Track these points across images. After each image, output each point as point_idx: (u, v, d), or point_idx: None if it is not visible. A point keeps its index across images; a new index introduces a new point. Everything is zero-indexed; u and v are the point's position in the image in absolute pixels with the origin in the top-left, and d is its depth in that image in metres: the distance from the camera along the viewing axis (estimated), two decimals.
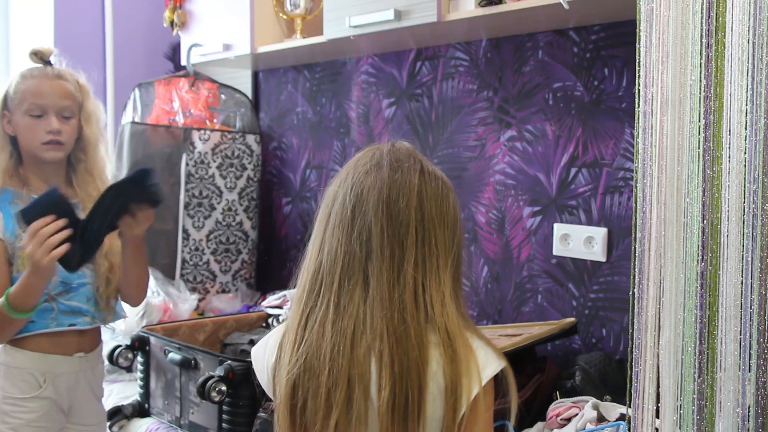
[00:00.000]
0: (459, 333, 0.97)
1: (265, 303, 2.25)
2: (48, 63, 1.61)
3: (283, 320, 2.06)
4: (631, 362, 1.00)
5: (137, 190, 1.48)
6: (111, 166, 1.74)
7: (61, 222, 1.39)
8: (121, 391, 2.06)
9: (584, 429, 1.41)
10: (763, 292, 0.93)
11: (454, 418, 0.94)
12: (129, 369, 1.90)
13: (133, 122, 2.45)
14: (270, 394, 1.08)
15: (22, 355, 1.53)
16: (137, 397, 1.90)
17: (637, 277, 0.99)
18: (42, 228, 1.37)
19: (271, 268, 2.74)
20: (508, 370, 0.99)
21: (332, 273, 1.00)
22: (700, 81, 0.95)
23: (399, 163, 1.03)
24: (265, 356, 1.08)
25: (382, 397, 0.94)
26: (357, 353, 0.96)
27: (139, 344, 1.87)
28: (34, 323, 1.52)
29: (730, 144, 0.94)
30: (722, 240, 0.94)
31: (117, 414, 1.87)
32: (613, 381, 1.59)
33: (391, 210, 0.99)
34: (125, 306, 1.73)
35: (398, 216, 0.99)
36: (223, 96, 2.64)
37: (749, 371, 0.93)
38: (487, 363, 0.97)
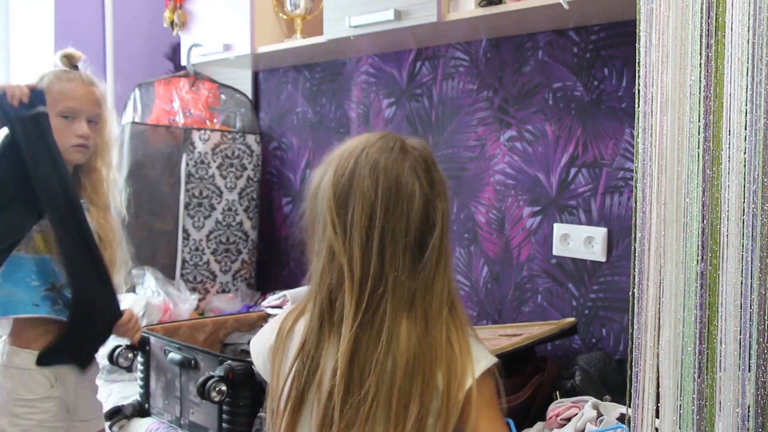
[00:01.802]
0: (448, 333, 0.98)
1: (265, 303, 2.25)
2: (75, 67, 1.65)
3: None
4: (631, 362, 1.00)
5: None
6: (114, 171, 1.76)
7: None
8: (121, 391, 2.06)
9: (584, 429, 1.41)
10: (763, 292, 0.93)
11: (448, 414, 0.95)
12: (129, 369, 1.91)
13: (133, 122, 2.45)
14: (266, 377, 1.08)
15: (32, 357, 1.52)
16: (137, 397, 1.90)
17: (636, 277, 0.99)
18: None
19: (271, 268, 2.74)
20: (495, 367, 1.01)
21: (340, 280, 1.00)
22: (700, 81, 0.95)
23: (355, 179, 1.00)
24: (263, 340, 1.09)
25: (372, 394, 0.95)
26: (360, 355, 0.97)
27: (139, 344, 1.87)
28: (38, 307, 1.51)
29: (729, 144, 0.94)
30: (722, 240, 0.94)
31: (117, 414, 1.87)
32: (612, 381, 1.59)
33: (375, 223, 0.98)
34: (126, 306, 1.74)
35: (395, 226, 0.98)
36: (223, 96, 2.64)
37: (749, 371, 0.93)
38: (480, 357, 0.99)
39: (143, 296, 2.24)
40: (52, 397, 1.55)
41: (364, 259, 0.97)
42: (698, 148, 0.95)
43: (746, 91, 0.93)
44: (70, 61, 1.65)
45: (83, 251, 1.53)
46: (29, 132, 1.48)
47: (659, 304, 0.97)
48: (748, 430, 0.93)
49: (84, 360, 1.59)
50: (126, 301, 2.07)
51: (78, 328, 1.53)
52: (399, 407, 0.95)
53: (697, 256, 0.95)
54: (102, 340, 1.63)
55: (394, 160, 1.01)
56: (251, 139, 2.62)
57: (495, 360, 1.01)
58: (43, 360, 1.53)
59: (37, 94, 1.50)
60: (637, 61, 1.00)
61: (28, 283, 1.51)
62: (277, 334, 1.05)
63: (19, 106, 1.47)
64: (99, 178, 1.68)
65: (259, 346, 1.10)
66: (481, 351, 1.01)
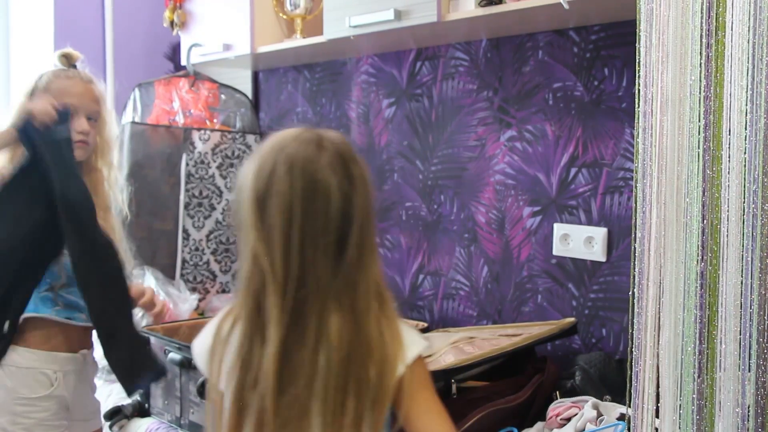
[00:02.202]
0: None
1: None
2: (74, 67, 1.66)
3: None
4: (631, 362, 1.00)
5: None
6: (115, 170, 1.77)
7: None
8: (121, 391, 2.05)
9: (584, 429, 1.41)
10: (763, 292, 0.93)
11: (380, 401, 0.95)
12: None
13: (133, 122, 2.45)
14: (207, 375, 1.06)
15: (33, 355, 1.53)
16: (137, 397, 1.90)
17: (636, 277, 0.99)
18: None
19: None
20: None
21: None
22: (700, 81, 0.95)
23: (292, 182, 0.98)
24: (204, 342, 1.07)
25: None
26: (289, 356, 0.97)
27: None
28: (38, 308, 1.53)
29: (729, 144, 0.94)
30: (722, 240, 0.94)
31: (117, 414, 1.87)
32: (612, 381, 1.59)
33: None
34: None
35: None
36: (223, 96, 2.64)
37: (749, 371, 0.93)
38: (410, 343, 0.98)
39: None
40: (52, 396, 1.54)
41: (285, 260, 0.95)
42: (698, 148, 0.95)
43: (746, 91, 0.93)
44: (69, 61, 1.66)
45: (104, 283, 1.53)
46: (56, 157, 1.47)
47: (659, 304, 0.97)
48: (748, 430, 0.93)
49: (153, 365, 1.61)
50: None
51: (116, 351, 1.54)
52: (336, 404, 0.95)
53: (697, 256, 0.95)
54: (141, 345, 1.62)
55: (311, 156, 1.00)
56: (251, 139, 2.62)
57: (425, 344, 1.00)
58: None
59: (63, 115, 1.48)
60: (637, 61, 1.00)
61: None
62: (214, 337, 1.04)
63: (45, 129, 1.47)
64: (100, 178, 1.68)
65: (200, 348, 1.09)
66: (412, 336, 1.00)
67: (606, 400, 1.49)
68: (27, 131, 1.44)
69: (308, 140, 1.03)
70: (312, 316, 0.96)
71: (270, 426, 0.96)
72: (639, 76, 0.99)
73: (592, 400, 1.47)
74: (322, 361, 0.95)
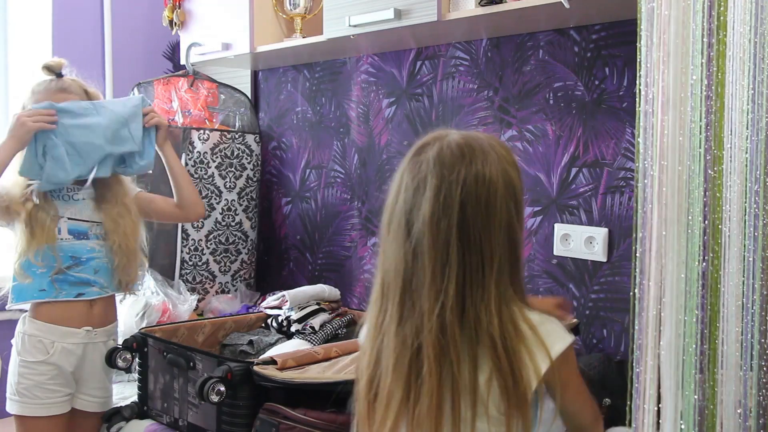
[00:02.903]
0: (512, 331, 1.03)
1: (264, 304, 2.24)
2: (60, 75, 1.81)
3: (286, 317, 2.06)
4: (632, 363, 1.00)
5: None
6: None
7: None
8: (120, 392, 2.05)
9: None
10: (765, 293, 0.92)
11: (516, 400, 1.02)
12: (128, 370, 1.90)
13: None
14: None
15: (35, 325, 1.78)
16: (135, 399, 1.90)
17: (638, 277, 0.98)
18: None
19: (270, 268, 2.73)
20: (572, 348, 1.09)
21: (396, 281, 1.07)
22: (702, 80, 0.94)
23: (445, 174, 1.05)
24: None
25: (424, 409, 1.03)
26: (412, 367, 1.04)
27: (138, 345, 1.86)
28: (45, 292, 1.77)
29: (731, 144, 0.94)
30: (724, 240, 0.94)
31: (115, 416, 1.86)
32: (613, 383, 1.59)
33: (435, 227, 1.03)
34: (125, 306, 1.99)
35: (440, 231, 1.03)
36: (222, 95, 2.64)
37: (750, 371, 0.93)
38: (556, 340, 1.06)
39: (142, 297, 2.24)
40: (48, 363, 1.78)
41: None
42: (700, 147, 0.95)
43: (748, 91, 0.93)
44: (53, 71, 1.80)
45: None
46: None
47: (660, 305, 0.97)
48: (749, 430, 0.93)
49: None
50: (125, 303, 2.07)
51: None
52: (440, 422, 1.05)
53: (699, 256, 0.94)
54: None
55: None
56: (251, 138, 2.62)
57: (571, 339, 1.10)
58: None
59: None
60: (638, 60, 0.99)
61: (35, 272, 1.77)
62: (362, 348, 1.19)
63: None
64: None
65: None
66: (552, 334, 1.09)
67: (606, 404, 1.48)
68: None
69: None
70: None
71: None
72: (640, 76, 0.99)
73: None
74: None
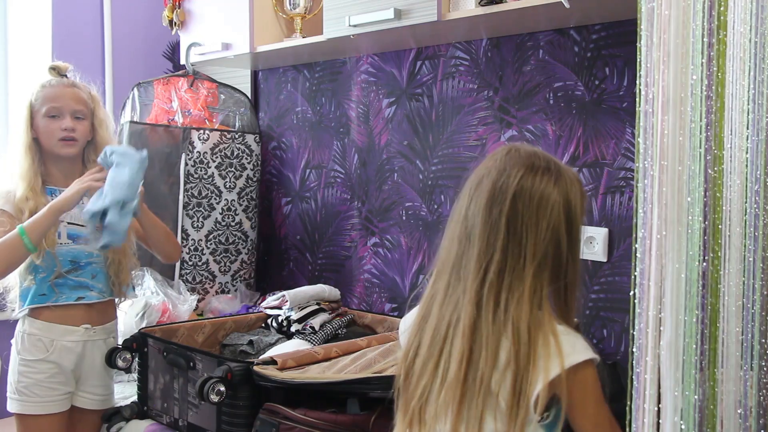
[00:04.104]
0: (534, 328, 1.07)
1: (264, 304, 2.24)
2: (64, 76, 1.89)
3: (286, 317, 2.06)
4: (632, 363, 0.99)
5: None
6: None
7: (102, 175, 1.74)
8: (120, 392, 2.05)
9: None
10: (765, 293, 0.92)
11: (519, 397, 1.05)
12: (127, 370, 1.90)
13: (131, 122, 2.44)
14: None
15: (35, 324, 1.82)
16: (135, 399, 1.90)
17: (638, 277, 0.98)
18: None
19: (270, 268, 2.73)
20: (593, 369, 1.10)
21: (448, 260, 1.15)
22: (702, 80, 0.94)
23: (507, 167, 1.14)
24: (407, 320, 1.26)
25: (451, 376, 1.09)
26: (447, 335, 1.12)
27: (138, 346, 1.86)
28: (45, 296, 1.81)
29: (731, 144, 0.93)
30: (724, 240, 0.94)
31: (115, 416, 1.86)
32: (607, 387, 1.57)
33: (488, 212, 1.12)
34: (125, 306, 2.02)
35: (491, 217, 1.11)
36: (222, 95, 2.64)
37: (751, 370, 0.93)
38: (573, 351, 1.08)
39: (142, 297, 2.24)
40: (47, 361, 1.81)
41: None
42: (700, 147, 0.94)
43: (748, 91, 0.92)
44: (59, 72, 1.88)
45: None
46: None
47: (660, 305, 0.97)
48: (749, 430, 0.93)
49: None
50: (125, 303, 2.07)
51: None
52: (462, 393, 1.11)
53: (699, 256, 0.94)
54: None
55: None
56: (250, 138, 2.62)
57: (593, 356, 1.11)
58: None
59: None
60: (638, 60, 0.99)
61: (37, 275, 1.81)
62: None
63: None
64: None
65: (404, 325, 1.28)
66: (576, 346, 1.11)
67: None
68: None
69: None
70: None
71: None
72: (640, 76, 0.99)
73: None
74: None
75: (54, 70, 1.88)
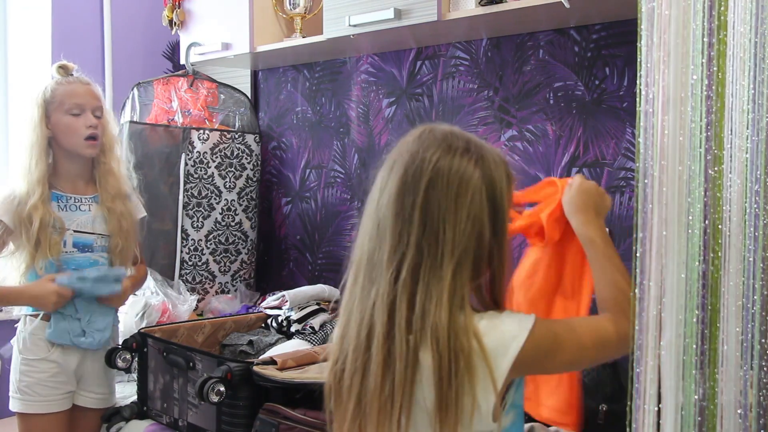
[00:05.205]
0: (456, 335, 0.96)
1: (264, 304, 2.24)
2: (71, 75, 1.87)
3: (286, 318, 2.06)
4: (632, 363, 0.99)
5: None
6: (123, 165, 2.00)
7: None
8: (120, 391, 2.05)
9: None
10: (765, 293, 0.92)
11: (447, 410, 0.96)
12: (127, 370, 1.90)
13: (131, 122, 2.44)
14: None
15: (37, 324, 1.82)
16: (135, 399, 1.90)
17: (638, 277, 0.98)
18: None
19: (270, 268, 2.73)
20: (536, 329, 1.01)
21: (362, 258, 1.03)
22: (702, 80, 0.94)
23: (421, 150, 1.01)
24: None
25: (371, 388, 1.00)
26: (367, 345, 1.00)
27: (138, 346, 1.86)
28: None
29: (731, 144, 0.93)
30: (724, 240, 0.94)
31: (115, 416, 1.86)
32: (607, 388, 1.57)
33: (400, 203, 1.00)
34: (125, 306, 2.05)
35: (403, 209, 0.99)
36: (222, 95, 2.64)
37: (751, 370, 0.92)
38: (512, 340, 0.99)
39: (142, 297, 2.24)
40: (48, 360, 1.81)
41: None
42: (700, 147, 0.94)
43: (748, 91, 0.92)
44: (66, 71, 1.86)
45: None
46: None
47: (660, 305, 0.97)
48: (749, 430, 0.93)
49: None
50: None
51: None
52: (387, 404, 1.01)
53: (699, 256, 0.94)
54: None
55: None
56: (250, 138, 2.61)
57: (525, 334, 1.02)
58: None
59: None
60: (638, 60, 0.99)
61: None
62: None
63: None
64: (108, 170, 1.87)
65: None
66: (506, 335, 1.03)
67: (601, 410, 1.48)
68: None
69: None
70: None
71: None
72: (640, 76, 0.99)
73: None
74: None
75: (62, 69, 1.85)
